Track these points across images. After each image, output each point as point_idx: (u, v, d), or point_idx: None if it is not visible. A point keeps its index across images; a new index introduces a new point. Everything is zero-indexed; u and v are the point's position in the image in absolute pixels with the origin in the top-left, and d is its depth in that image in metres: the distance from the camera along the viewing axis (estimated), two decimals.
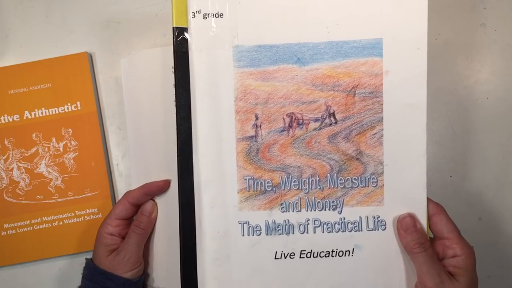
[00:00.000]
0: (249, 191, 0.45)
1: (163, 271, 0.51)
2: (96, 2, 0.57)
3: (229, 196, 0.45)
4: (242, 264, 0.45)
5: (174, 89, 0.45)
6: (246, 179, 0.45)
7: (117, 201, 0.50)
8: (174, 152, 0.44)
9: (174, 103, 0.44)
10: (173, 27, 0.44)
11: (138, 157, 0.52)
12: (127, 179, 0.56)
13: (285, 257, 0.45)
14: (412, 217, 0.43)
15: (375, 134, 0.44)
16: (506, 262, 0.55)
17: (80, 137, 0.55)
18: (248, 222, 0.45)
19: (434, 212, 0.44)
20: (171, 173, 0.49)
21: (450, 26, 0.55)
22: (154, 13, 0.56)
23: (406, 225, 0.43)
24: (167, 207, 0.50)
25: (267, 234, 0.45)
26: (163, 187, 0.49)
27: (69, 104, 0.55)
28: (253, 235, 0.45)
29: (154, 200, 0.50)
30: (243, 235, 0.45)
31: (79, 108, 0.55)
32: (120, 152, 0.56)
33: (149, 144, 0.51)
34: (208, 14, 0.44)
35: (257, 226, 0.45)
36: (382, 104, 0.44)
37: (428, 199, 0.44)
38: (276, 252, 0.45)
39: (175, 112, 0.44)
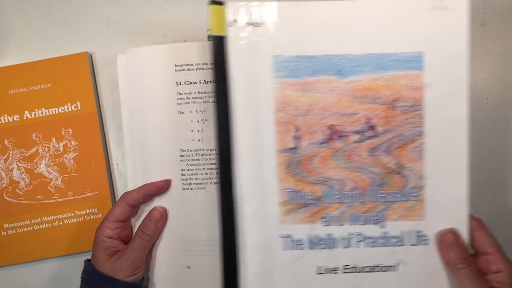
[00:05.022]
0: (290, 204, 0.44)
1: (163, 274, 0.49)
2: (96, 2, 0.57)
3: (270, 209, 0.43)
4: (285, 279, 0.43)
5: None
6: (287, 191, 0.44)
7: (117, 201, 0.49)
8: (173, 151, 0.45)
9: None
10: (212, 36, 0.43)
11: (135, 157, 0.50)
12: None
13: (328, 272, 0.44)
14: (454, 233, 0.43)
15: (415, 147, 0.44)
16: None
17: (80, 137, 0.55)
18: (291, 236, 0.44)
19: (475, 228, 0.44)
20: (171, 173, 0.48)
21: None
22: (154, 13, 0.56)
23: (448, 240, 0.43)
24: (167, 208, 0.49)
25: (309, 248, 0.44)
26: (163, 187, 0.48)
27: (69, 104, 0.55)
28: (295, 249, 0.44)
29: (163, 208, 0.48)
30: (285, 249, 0.44)
31: (79, 108, 0.55)
32: (120, 152, 0.56)
33: (147, 143, 0.49)
34: (247, 23, 0.43)
35: (299, 240, 0.44)
36: (423, 118, 0.44)
37: (469, 214, 0.44)
38: (319, 267, 0.44)
39: (214, 123, 0.43)
